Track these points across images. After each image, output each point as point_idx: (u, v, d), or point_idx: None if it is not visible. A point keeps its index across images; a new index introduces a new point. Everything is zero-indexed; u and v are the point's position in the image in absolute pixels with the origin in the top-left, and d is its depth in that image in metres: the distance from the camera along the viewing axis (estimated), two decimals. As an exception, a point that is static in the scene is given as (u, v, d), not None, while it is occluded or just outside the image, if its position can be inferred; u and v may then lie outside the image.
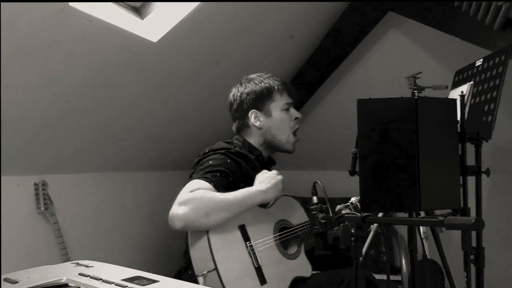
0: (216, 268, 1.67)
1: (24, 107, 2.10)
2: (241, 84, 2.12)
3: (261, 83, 2.08)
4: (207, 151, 1.97)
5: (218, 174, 1.82)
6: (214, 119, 3.20)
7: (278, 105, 2.08)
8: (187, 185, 1.78)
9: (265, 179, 1.91)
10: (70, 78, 2.12)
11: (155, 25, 2.21)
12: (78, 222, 2.76)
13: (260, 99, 2.07)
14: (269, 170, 2.18)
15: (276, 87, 2.08)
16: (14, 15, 1.67)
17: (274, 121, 2.07)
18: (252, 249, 1.81)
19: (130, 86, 2.42)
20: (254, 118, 2.07)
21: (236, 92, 2.11)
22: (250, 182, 1.94)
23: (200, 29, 2.36)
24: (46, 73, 2.02)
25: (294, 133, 2.12)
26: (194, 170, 1.89)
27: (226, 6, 2.31)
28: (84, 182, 2.83)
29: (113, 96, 2.42)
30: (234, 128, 2.15)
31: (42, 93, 2.10)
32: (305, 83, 3.43)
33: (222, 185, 1.80)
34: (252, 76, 2.13)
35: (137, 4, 2.24)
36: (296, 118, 2.12)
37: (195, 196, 1.72)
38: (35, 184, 2.50)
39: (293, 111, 2.12)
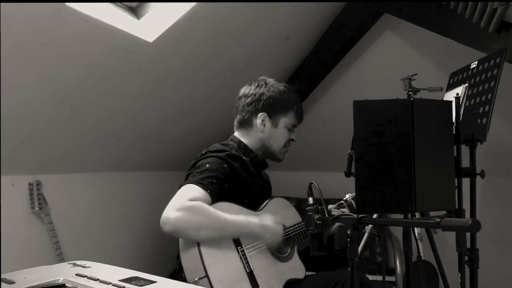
0: (207, 275, 1.66)
1: (19, 107, 2.09)
2: (265, 84, 2.08)
3: (285, 94, 2.07)
4: (204, 152, 1.96)
5: (214, 180, 1.80)
6: (210, 119, 3.20)
7: (287, 122, 2.08)
8: (183, 189, 1.77)
9: (271, 220, 1.89)
10: (65, 77, 2.11)
11: (151, 25, 2.21)
12: (73, 222, 2.75)
13: (276, 109, 2.06)
14: (263, 173, 2.17)
15: (295, 106, 2.09)
16: (10, 14, 1.66)
17: (276, 133, 2.08)
18: (244, 254, 1.80)
19: (125, 86, 2.42)
20: (261, 121, 2.06)
21: (256, 88, 2.08)
22: (243, 186, 1.94)
23: (196, 30, 2.36)
24: (42, 72, 2.01)
25: (285, 145, 2.13)
26: (191, 172, 1.88)
27: (221, 7, 2.31)
28: (78, 182, 2.82)
29: (108, 96, 2.41)
30: (236, 121, 2.12)
31: (37, 93, 2.09)
32: (300, 84, 3.42)
33: (217, 193, 1.80)
34: (278, 82, 2.11)
35: (133, 4, 2.23)
36: (292, 139, 2.13)
37: (192, 206, 1.71)
38: (30, 184, 2.49)
39: (294, 133, 2.14)
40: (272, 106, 2.05)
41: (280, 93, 2.06)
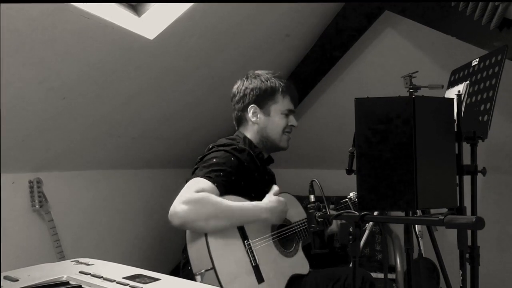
0: (213, 267, 1.68)
1: (20, 104, 2.09)
2: (247, 78, 2.11)
3: (267, 81, 2.07)
4: (211, 146, 1.97)
5: (221, 173, 1.81)
6: (210, 116, 3.19)
7: (279, 108, 2.08)
8: (190, 183, 1.79)
9: (273, 200, 1.91)
10: (66, 75, 2.10)
11: (152, 23, 2.21)
12: (73, 220, 2.75)
13: (263, 97, 2.06)
14: (268, 169, 2.17)
15: (280, 89, 2.07)
16: (11, 11, 1.66)
17: (271, 122, 2.08)
18: (250, 248, 1.81)
19: (126, 83, 2.41)
20: (252, 113, 2.07)
21: (241, 85, 2.11)
22: (251, 180, 1.94)
23: (197, 27, 2.35)
24: (42, 70, 2.00)
25: (284, 131, 2.11)
26: (198, 166, 1.89)
27: (222, 4, 2.31)
28: (79, 179, 2.81)
29: (109, 94, 2.41)
30: (234, 121, 2.16)
31: (38, 90, 2.09)
32: (301, 81, 3.43)
33: (224, 185, 1.81)
34: (260, 72, 2.12)
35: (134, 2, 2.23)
36: (292, 126, 2.12)
37: (199, 198, 1.72)
38: (30, 182, 2.48)
39: (291, 118, 2.12)
40: (258, 96, 2.06)
41: (262, 81, 2.07)
